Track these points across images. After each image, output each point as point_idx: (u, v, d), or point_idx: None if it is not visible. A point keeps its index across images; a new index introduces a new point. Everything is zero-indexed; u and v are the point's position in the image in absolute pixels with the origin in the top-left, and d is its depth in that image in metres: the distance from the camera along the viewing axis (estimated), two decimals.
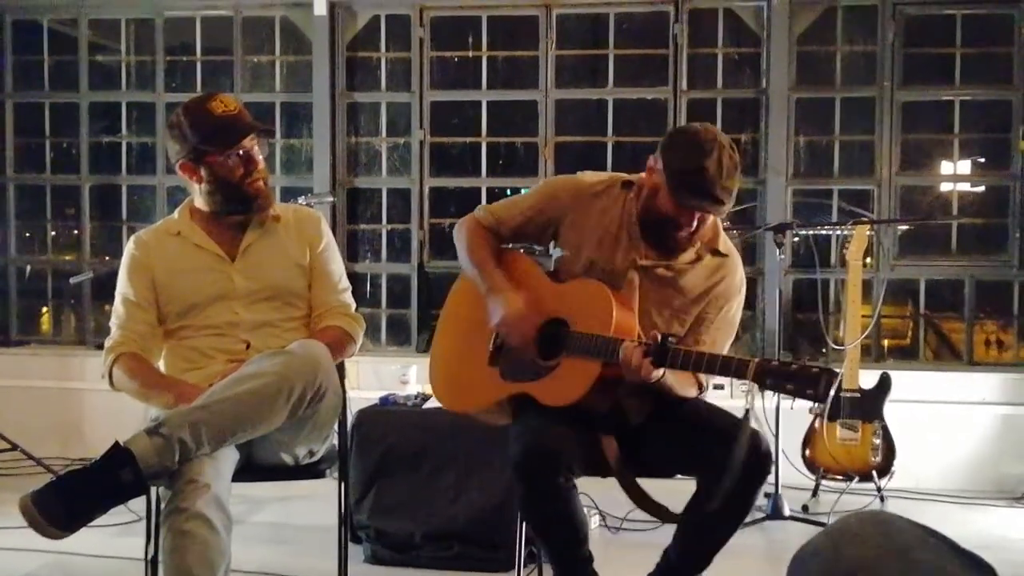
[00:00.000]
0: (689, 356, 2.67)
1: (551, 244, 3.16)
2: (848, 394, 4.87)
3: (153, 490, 2.78)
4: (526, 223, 3.12)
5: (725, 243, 3.03)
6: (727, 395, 5.29)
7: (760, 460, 2.76)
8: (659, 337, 2.67)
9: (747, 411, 2.62)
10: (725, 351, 2.98)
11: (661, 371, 2.70)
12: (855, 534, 1.41)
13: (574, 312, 2.89)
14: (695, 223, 2.86)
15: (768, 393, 2.77)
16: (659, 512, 2.92)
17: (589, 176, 3.11)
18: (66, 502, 2.50)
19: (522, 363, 2.95)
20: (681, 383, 2.88)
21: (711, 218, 2.91)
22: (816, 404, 2.53)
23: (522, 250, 3.25)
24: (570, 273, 3.03)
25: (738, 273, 3.03)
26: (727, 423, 2.83)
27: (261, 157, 3.13)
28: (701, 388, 3.00)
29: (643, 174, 2.94)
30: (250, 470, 2.98)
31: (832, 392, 2.46)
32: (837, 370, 2.51)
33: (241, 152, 3.06)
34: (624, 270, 2.95)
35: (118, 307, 3.15)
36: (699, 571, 2.93)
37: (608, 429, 2.88)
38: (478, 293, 3.11)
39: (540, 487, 2.73)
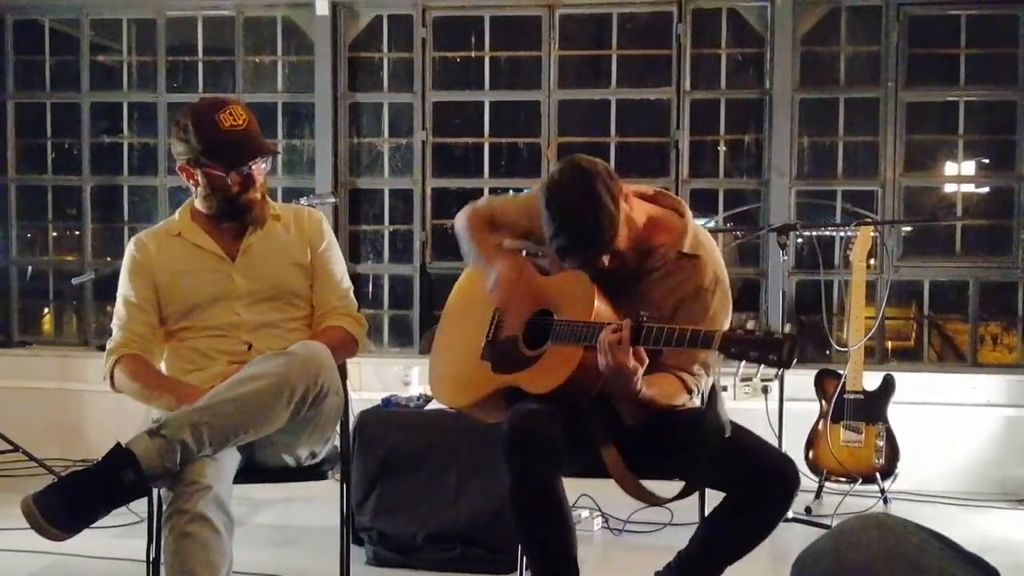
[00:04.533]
0: (661, 331, 2.65)
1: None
2: (852, 396, 4.85)
3: (155, 491, 2.79)
4: (514, 225, 3.18)
5: (693, 243, 2.95)
6: (730, 396, 5.30)
7: (787, 485, 2.76)
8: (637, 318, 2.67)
9: (714, 385, 2.65)
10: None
11: (637, 366, 2.67)
12: (858, 538, 1.41)
13: (558, 301, 2.93)
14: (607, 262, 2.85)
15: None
16: (660, 502, 2.90)
17: None
18: (68, 503, 2.50)
19: (511, 355, 2.97)
20: (665, 391, 2.85)
21: (621, 238, 2.84)
22: (779, 371, 2.55)
23: (524, 252, 3.24)
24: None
25: (707, 273, 2.93)
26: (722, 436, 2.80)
27: (263, 173, 3.12)
28: (690, 392, 2.93)
29: None
30: (252, 471, 2.99)
31: (795, 358, 2.44)
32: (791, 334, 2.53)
33: (242, 172, 3.06)
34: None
35: (119, 308, 3.15)
36: None
37: (604, 432, 2.86)
38: (474, 289, 3.18)
39: (524, 464, 2.70)
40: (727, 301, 2.99)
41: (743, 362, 2.57)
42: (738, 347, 2.50)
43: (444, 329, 3.33)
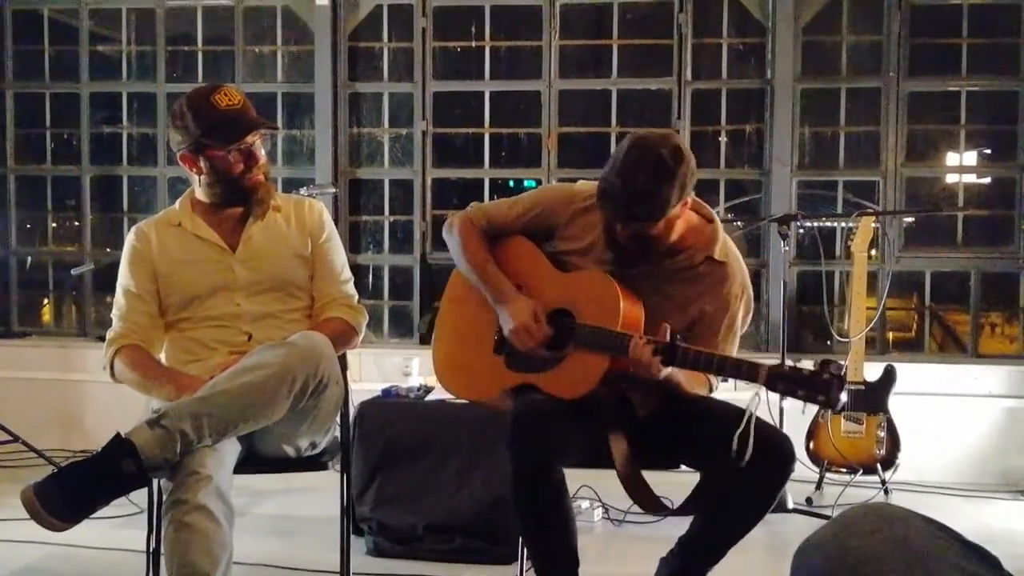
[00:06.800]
0: (699, 356, 2.68)
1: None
2: (853, 387, 4.84)
3: (155, 482, 2.78)
4: (520, 230, 3.12)
5: (723, 249, 2.96)
6: (729, 387, 5.28)
7: (782, 458, 2.75)
8: (668, 336, 2.67)
9: (749, 415, 2.62)
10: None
11: (668, 369, 2.69)
12: (859, 526, 1.41)
13: (580, 303, 2.89)
14: (629, 232, 2.81)
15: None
16: (660, 508, 2.90)
17: (582, 188, 3.07)
18: (68, 494, 2.50)
19: (528, 353, 2.94)
20: (691, 382, 2.87)
21: (659, 229, 2.82)
22: (827, 410, 2.57)
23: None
24: (573, 264, 3.02)
25: (736, 280, 2.95)
26: (732, 417, 2.80)
27: (263, 152, 3.12)
28: (711, 388, 2.99)
29: None
30: (252, 462, 2.98)
31: (841, 400, 2.47)
32: (843, 366, 2.51)
33: (243, 148, 3.05)
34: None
35: (119, 298, 3.14)
36: (712, 563, 2.91)
37: (615, 421, 2.86)
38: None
39: (527, 455, 2.70)
40: (750, 310, 3.03)
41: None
42: (785, 384, 2.54)
43: (448, 317, 3.25)
